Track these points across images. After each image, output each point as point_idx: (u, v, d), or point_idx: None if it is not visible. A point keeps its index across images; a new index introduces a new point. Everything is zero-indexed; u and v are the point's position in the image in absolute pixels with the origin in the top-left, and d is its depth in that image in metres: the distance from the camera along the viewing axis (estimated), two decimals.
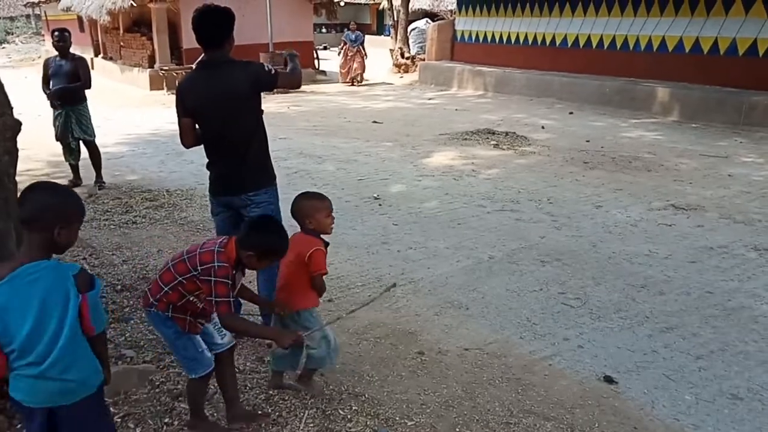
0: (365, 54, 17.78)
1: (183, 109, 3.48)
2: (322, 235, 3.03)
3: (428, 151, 8.99)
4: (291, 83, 3.72)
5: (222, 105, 3.40)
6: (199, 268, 2.57)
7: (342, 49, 17.77)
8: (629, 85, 11.91)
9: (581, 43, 13.54)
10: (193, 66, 3.84)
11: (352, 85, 17.47)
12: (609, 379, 3.40)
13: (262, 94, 3.53)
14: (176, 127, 3.53)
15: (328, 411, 3.03)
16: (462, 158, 8.53)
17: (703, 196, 6.61)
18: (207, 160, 3.64)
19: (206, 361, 2.75)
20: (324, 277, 2.99)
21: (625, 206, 6.28)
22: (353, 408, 3.07)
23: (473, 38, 16.76)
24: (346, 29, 18.04)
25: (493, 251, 5.23)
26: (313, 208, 3.02)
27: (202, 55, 3.46)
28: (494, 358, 3.62)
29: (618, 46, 12.72)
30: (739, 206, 6.24)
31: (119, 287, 4.38)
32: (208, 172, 3.66)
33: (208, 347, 2.78)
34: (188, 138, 3.54)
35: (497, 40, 15.88)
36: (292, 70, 3.68)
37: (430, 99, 14.64)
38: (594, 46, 13.25)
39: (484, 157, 8.55)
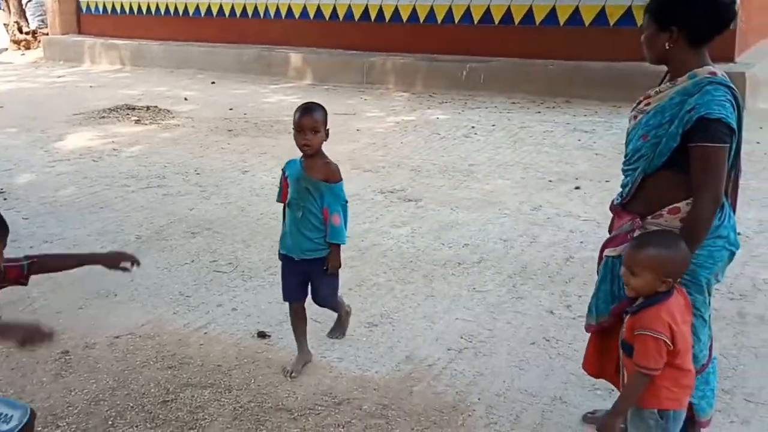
0: None
1: None
2: None
3: (61, 133, 8.20)
4: None
5: None
6: None
7: None
8: (265, 52, 12.30)
9: (215, 12, 13.53)
10: None
11: None
12: (262, 335, 3.56)
13: None
14: None
15: None
16: (101, 138, 7.97)
17: (337, 151, 7.17)
18: None
19: None
20: None
21: (270, 168, 6.53)
22: None
23: (101, 9, 15.58)
24: None
25: (141, 231, 5.02)
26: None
27: None
28: (147, 339, 3.51)
29: (250, 14, 13.01)
30: (367, 156, 6.95)
31: None
32: None
33: None
34: None
35: (128, 10, 15.01)
36: None
37: (59, 77, 13.29)
38: (228, 15, 13.35)
39: (126, 134, 8.11)
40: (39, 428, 2.76)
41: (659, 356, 2.11)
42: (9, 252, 2.24)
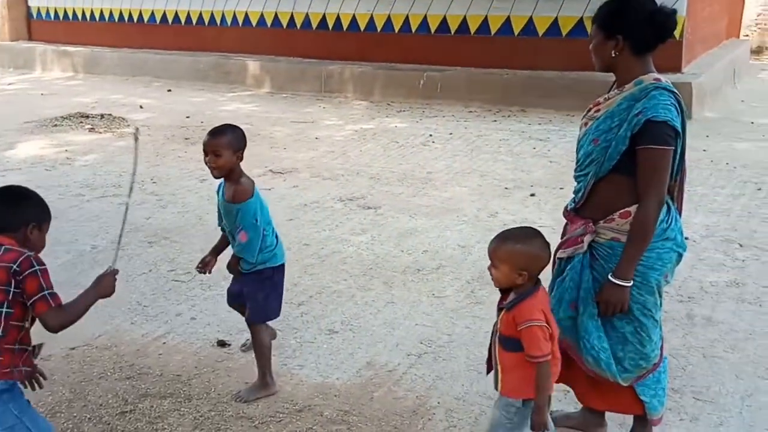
0: None
1: None
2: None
3: (12, 142, 8.02)
4: None
5: None
6: (14, 267, 2.13)
7: None
8: (222, 59, 12.23)
9: (170, 19, 13.39)
10: None
11: None
12: (222, 343, 3.55)
13: None
14: None
15: None
16: (54, 146, 7.81)
17: (296, 159, 7.21)
18: None
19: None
20: None
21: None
22: None
23: (53, 15, 15.27)
24: None
25: (96, 240, 4.96)
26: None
27: None
28: (104, 350, 3.47)
29: (206, 22, 12.92)
30: (326, 164, 6.98)
31: None
32: None
33: None
34: None
35: (80, 16, 14.74)
36: None
37: (9, 84, 12.97)
38: (184, 22, 13.22)
39: (80, 143, 7.97)
40: None
41: (547, 342, 2.23)
42: None
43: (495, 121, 8.90)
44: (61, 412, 2.93)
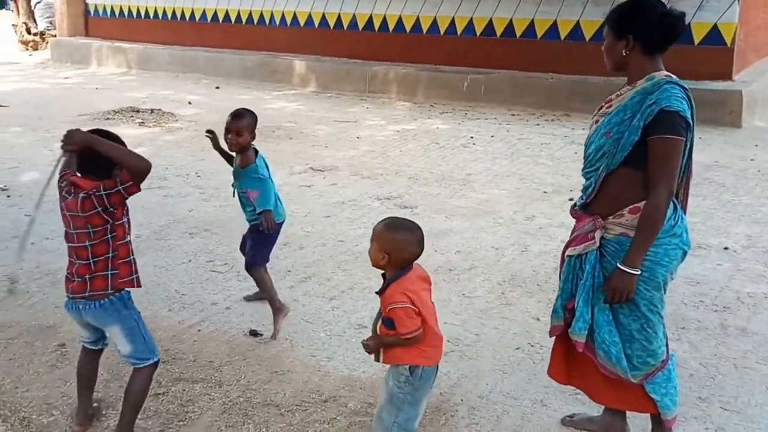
0: None
1: None
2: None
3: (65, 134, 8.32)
4: None
5: None
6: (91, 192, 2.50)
7: None
8: (269, 58, 12.44)
9: (221, 17, 13.69)
10: None
11: None
12: (254, 333, 3.65)
13: None
14: None
15: None
16: None
17: (337, 157, 7.31)
18: None
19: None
20: None
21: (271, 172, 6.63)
22: None
23: (109, 12, 15.75)
24: None
25: (140, 230, 5.12)
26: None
27: None
28: None
29: (255, 21, 13.16)
30: (366, 164, 7.05)
31: None
32: None
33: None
34: None
35: (135, 14, 15.18)
36: None
37: (66, 78, 13.44)
38: (233, 21, 13.50)
39: (130, 136, 8.11)
40: (34, 416, 2.85)
41: (413, 319, 2.36)
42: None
43: (538, 125, 8.85)
44: (98, 391, 3.04)
